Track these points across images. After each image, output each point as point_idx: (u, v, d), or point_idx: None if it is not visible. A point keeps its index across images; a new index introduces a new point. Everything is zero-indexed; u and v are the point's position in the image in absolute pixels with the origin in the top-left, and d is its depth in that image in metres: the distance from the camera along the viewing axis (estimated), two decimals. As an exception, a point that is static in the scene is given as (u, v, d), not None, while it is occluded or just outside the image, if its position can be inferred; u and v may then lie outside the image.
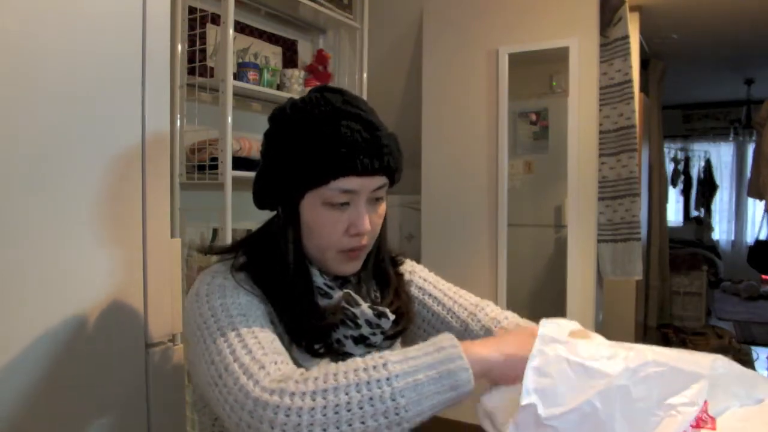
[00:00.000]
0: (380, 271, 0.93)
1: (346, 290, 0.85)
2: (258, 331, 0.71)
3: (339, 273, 0.85)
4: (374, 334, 0.84)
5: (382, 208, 0.85)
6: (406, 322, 0.91)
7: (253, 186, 0.86)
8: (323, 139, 0.76)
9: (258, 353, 0.67)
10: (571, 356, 0.62)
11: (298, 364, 0.77)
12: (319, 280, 0.84)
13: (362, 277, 0.91)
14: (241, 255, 0.85)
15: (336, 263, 0.83)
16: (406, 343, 0.99)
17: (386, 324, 0.85)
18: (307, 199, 0.79)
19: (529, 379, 0.60)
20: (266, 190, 0.84)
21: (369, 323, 0.83)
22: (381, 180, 0.81)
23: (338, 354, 0.83)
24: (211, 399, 0.68)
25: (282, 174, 0.80)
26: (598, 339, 0.72)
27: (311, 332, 0.80)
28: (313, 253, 0.83)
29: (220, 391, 0.66)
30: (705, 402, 0.61)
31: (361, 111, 0.80)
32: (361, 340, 0.83)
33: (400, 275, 0.97)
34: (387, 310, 0.85)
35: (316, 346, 0.80)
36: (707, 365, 0.64)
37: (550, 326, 0.67)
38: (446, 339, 0.66)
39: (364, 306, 0.83)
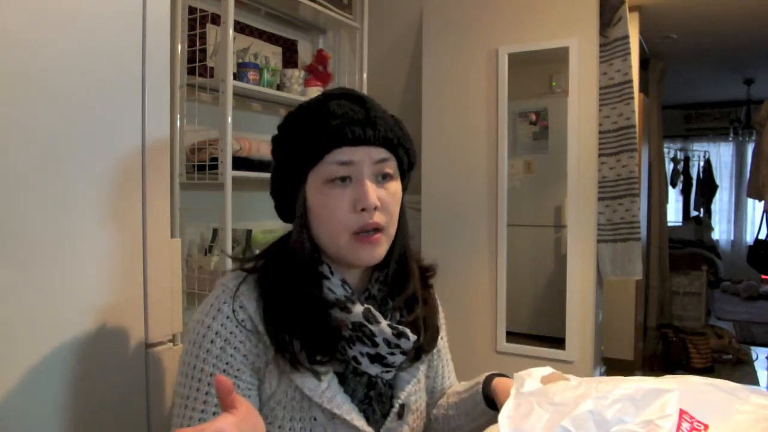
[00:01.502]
0: (402, 268, 0.88)
1: (366, 306, 0.81)
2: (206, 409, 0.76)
3: (359, 262, 0.80)
4: (392, 353, 0.81)
5: (394, 187, 0.81)
6: (427, 341, 0.88)
7: (271, 194, 0.87)
8: (314, 118, 0.79)
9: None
10: (541, 400, 0.65)
11: (300, 392, 0.77)
12: (339, 291, 0.81)
13: (387, 286, 0.87)
14: (257, 262, 0.84)
15: (352, 250, 0.79)
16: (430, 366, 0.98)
17: (406, 344, 0.81)
18: (310, 183, 0.79)
19: (505, 427, 0.62)
20: (278, 189, 0.85)
21: (387, 342, 0.80)
22: (381, 152, 0.79)
23: (355, 373, 0.81)
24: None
25: (284, 164, 0.82)
26: (573, 380, 0.73)
27: (317, 341, 0.78)
28: (327, 246, 0.80)
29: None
30: (680, 410, 0.61)
31: (352, 92, 0.83)
32: (378, 359, 0.80)
33: (429, 286, 0.94)
34: (407, 331, 0.81)
35: (319, 357, 0.78)
36: (675, 382, 0.65)
37: (522, 378, 0.72)
38: None
39: (384, 324, 0.80)
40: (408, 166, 0.86)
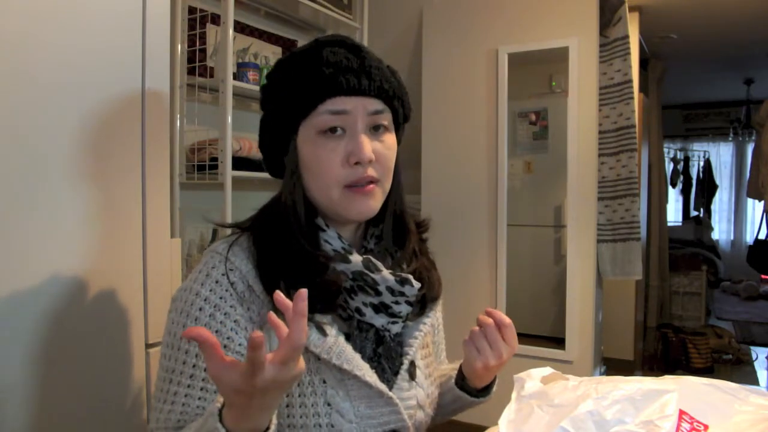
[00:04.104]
0: (399, 224, 0.85)
1: (366, 256, 0.78)
2: (188, 383, 0.72)
3: (352, 216, 0.77)
4: (397, 302, 0.78)
5: (389, 139, 0.78)
6: (429, 289, 0.85)
7: (259, 147, 0.84)
8: (307, 65, 0.75)
9: (166, 407, 0.72)
10: (541, 402, 0.65)
11: (305, 352, 0.72)
12: (336, 243, 0.78)
13: (383, 241, 0.84)
14: (248, 222, 0.82)
15: (345, 203, 0.76)
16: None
17: (410, 291, 0.78)
18: (302, 134, 0.76)
19: (505, 430, 0.62)
20: (267, 142, 0.81)
21: (391, 290, 0.77)
22: (376, 103, 0.76)
23: (360, 329, 0.78)
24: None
25: (275, 113, 0.79)
26: (573, 381, 0.73)
27: (316, 289, 0.72)
28: (318, 199, 0.77)
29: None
30: (680, 411, 0.61)
31: (347, 40, 0.78)
32: (383, 309, 0.77)
33: (424, 240, 0.92)
34: (410, 277, 0.78)
35: (320, 306, 0.74)
36: (675, 383, 0.65)
37: (522, 380, 0.71)
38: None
39: (386, 272, 0.77)
40: (403, 119, 0.83)
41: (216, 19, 1.92)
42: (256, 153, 2.01)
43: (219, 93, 1.86)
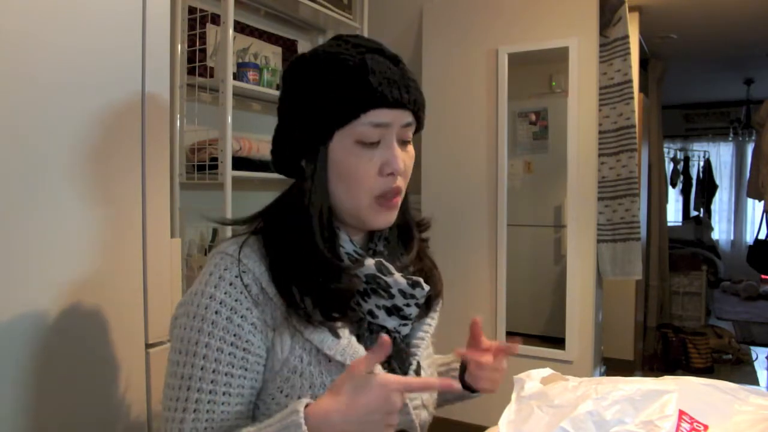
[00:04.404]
0: (404, 227, 0.87)
1: (378, 259, 0.79)
2: (210, 392, 0.71)
3: (375, 226, 0.79)
4: (408, 305, 0.80)
5: (412, 150, 0.80)
6: (432, 289, 0.85)
7: (271, 144, 0.82)
8: (350, 71, 0.73)
9: (188, 416, 0.70)
10: (541, 402, 0.65)
11: (317, 355, 0.74)
12: (348, 246, 0.79)
13: (390, 244, 0.85)
14: (258, 223, 0.81)
15: (372, 213, 0.77)
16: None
17: (420, 294, 0.80)
18: (336, 141, 0.75)
19: (504, 430, 0.63)
20: (288, 141, 0.79)
21: (403, 293, 0.78)
22: (408, 116, 0.77)
23: (371, 331, 0.79)
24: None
25: (306, 115, 0.76)
26: (572, 381, 0.73)
27: (332, 295, 0.74)
28: (346, 206, 0.78)
29: (164, 408, 0.73)
30: (680, 411, 0.62)
31: (382, 47, 0.79)
32: (395, 311, 0.79)
33: (425, 240, 0.93)
34: (420, 280, 0.80)
35: (335, 314, 0.75)
36: (675, 383, 0.66)
37: (521, 381, 0.72)
38: (293, 410, 0.65)
39: (398, 275, 0.79)
40: (418, 128, 0.85)
41: (216, 19, 1.92)
42: (256, 153, 2.01)
43: (219, 93, 1.86)
